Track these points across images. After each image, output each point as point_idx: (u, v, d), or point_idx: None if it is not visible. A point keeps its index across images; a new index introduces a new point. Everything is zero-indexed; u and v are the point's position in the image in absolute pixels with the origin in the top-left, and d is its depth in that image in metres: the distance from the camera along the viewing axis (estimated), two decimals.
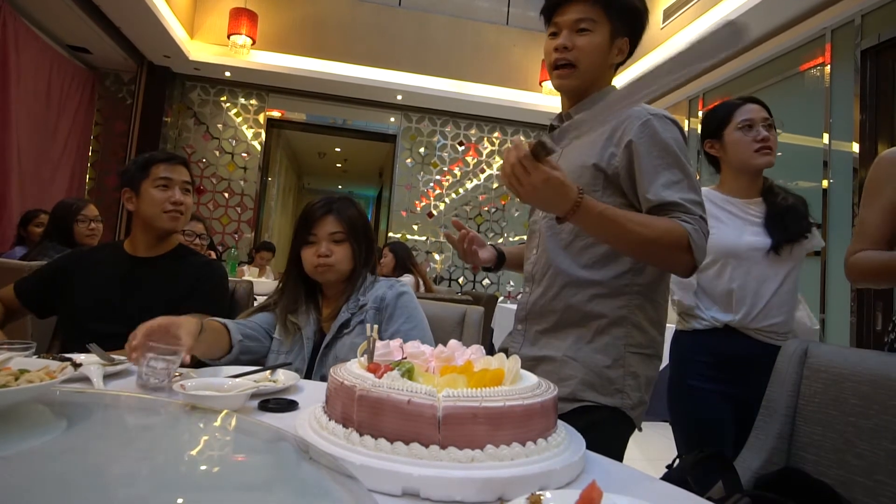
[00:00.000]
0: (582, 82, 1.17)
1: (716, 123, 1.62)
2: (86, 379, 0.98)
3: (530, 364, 1.17)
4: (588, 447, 0.74)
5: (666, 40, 4.46)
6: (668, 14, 4.50)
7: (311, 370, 1.34)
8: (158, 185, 1.53)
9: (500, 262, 1.39)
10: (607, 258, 1.13)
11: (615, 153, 1.10)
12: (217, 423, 0.65)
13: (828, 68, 3.33)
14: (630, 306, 1.12)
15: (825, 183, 3.28)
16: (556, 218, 0.98)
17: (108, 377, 1.02)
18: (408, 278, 3.81)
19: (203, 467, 0.55)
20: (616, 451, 1.10)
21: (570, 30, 1.15)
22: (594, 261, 1.14)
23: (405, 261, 3.92)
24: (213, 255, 4.16)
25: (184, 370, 1.07)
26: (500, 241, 6.27)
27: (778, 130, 1.58)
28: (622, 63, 1.24)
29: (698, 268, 1.03)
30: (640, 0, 1.19)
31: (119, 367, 1.07)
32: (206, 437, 0.63)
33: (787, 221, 1.51)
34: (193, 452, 0.58)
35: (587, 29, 1.14)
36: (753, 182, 1.57)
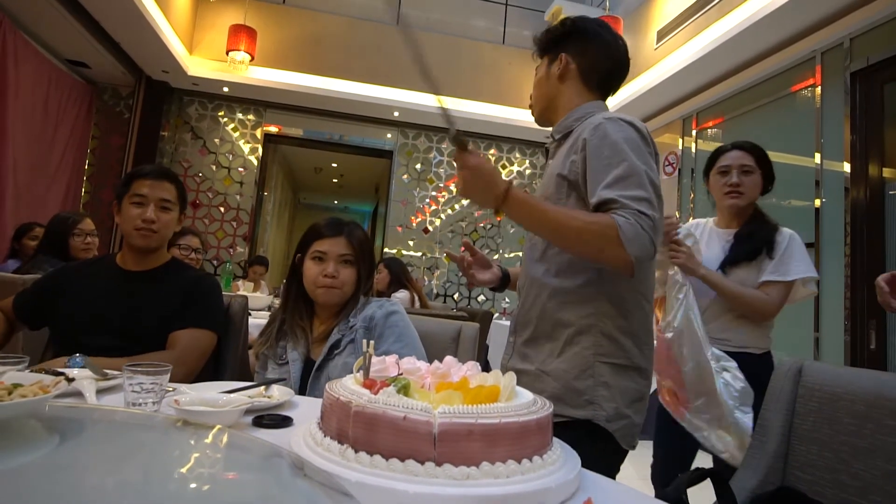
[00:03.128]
0: (540, 108, 1.33)
1: (707, 165, 1.87)
2: (79, 394, 0.97)
3: None
4: None
5: (659, 61, 4.52)
6: (661, 35, 4.57)
7: (304, 393, 1.34)
8: (133, 202, 1.50)
9: (505, 282, 1.41)
10: (574, 265, 1.14)
11: (575, 160, 1.14)
12: (209, 440, 0.65)
13: (818, 89, 3.39)
14: (598, 314, 1.12)
15: (817, 202, 3.31)
16: (494, 211, 1.08)
17: (101, 392, 1.01)
18: (402, 294, 3.80)
19: (193, 485, 0.54)
20: (601, 468, 1.07)
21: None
22: (563, 268, 1.15)
23: (400, 276, 3.90)
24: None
25: (175, 385, 1.06)
26: (496, 257, 6.29)
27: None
28: (607, 79, 1.29)
29: (635, 262, 0.99)
30: (559, 24, 1.31)
31: (112, 382, 1.06)
32: (196, 454, 0.63)
33: (739, 245, 1.72)
34: (184, 469, 0.58)
35: (537, 73, 1.34)
36: (733, 217, 1.80)
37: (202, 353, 1.47)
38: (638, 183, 1.03)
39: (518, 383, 1.12)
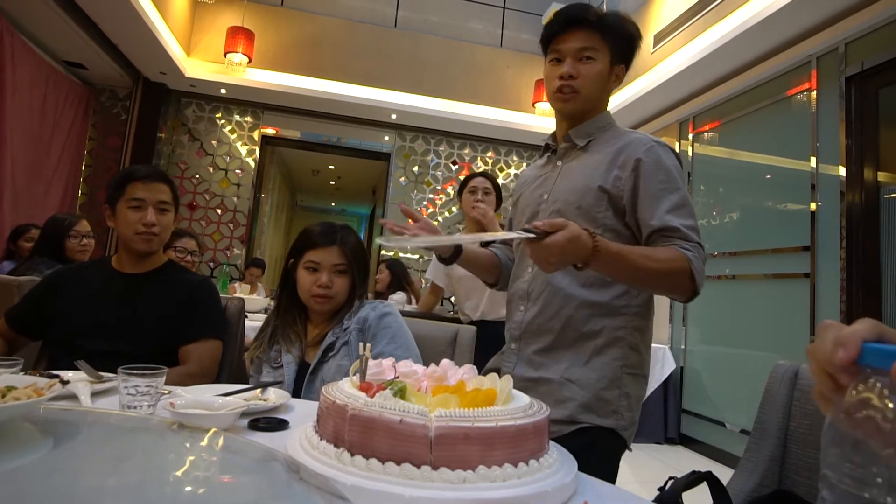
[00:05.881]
0: (583, 107, 1.22)
1: (460, 187, 2.64)
2: (73, 396, 0.96)
3: (526, 385, 1.17)
4: (583, 468, 0.74)
5: (656, 64, 4.54)
6: (658, 39, 4.58)
7: (298, 396, 1.33)
8: (131, 206, 1.48)
9: (457, 254, 1.29)
10: (604, 278, 1.14)
11: (620, 176, 1.14)
12: (204, 443, 0.64)
13: (814, 94, 3.40)
14: (628, 327, 1.15)
15: (813, 206, 3.32)
16: (575, 266, 0.99)
17: (95, 395, 1.01)
18: (399, 296, 3.81)
19: (188, 488, 0.54)
20: (610, 471, 1.12)
21: (574, 58, 1.17)
22: (593, 280, 1.15)
23: (401, 278, 3.96)
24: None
25: (170, 388, 1.06)
26: None
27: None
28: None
29: (700, 292, 1.07)
30: (636, 28, 1.24)
31: (107, 385, 1.05)
32: (192, 458, 0.62)
33: None
34: (179, 473, 0.58)
35: (591, 57, 1.17)
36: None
37: (215, 362, 1.51)
38: (691, 213, 1.11)
39: (533, 392, 1.13)
